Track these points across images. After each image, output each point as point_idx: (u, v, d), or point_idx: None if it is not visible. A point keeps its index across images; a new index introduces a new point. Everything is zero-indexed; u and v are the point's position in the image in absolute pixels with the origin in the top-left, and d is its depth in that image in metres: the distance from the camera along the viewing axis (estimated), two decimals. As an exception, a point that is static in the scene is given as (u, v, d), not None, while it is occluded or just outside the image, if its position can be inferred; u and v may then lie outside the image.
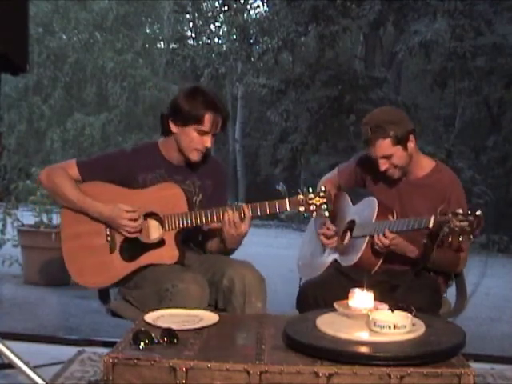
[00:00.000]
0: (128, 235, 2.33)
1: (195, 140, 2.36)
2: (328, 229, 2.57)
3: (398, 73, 15.58)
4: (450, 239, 2.07)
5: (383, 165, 2.38)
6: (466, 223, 2.02)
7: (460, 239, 2.06)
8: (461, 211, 2.05)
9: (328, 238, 2.57)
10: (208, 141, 2.36)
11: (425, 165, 2.47)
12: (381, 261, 2.40)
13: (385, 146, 2.34)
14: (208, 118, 2.33)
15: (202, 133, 2.34)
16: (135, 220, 2.31)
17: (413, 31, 12.15)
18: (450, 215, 2.05)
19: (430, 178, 2.44)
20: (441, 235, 2.08)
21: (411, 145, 2.37)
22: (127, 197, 2.37)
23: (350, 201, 2.64)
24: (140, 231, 2.34)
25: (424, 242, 2.27)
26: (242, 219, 2.27)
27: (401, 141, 2.34)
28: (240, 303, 2.27)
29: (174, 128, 2.38)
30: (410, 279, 2.34)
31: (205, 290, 2.24)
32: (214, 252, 2.51)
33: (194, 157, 2.40)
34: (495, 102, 12.94)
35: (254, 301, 2.27)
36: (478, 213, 2.02)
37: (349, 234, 2.57)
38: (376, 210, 2.43)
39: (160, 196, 2.35)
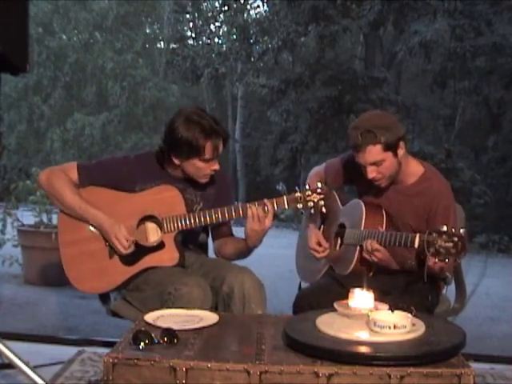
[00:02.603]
0: (118, 252, 2.31)
1: (202, 168, 2.35)
2: (319, 245, 2.54)
3: (398, 73, 15.57)
4: (436, 260, 2.05)
5: (371, 172, 2.32)
6: (450, 244, 1.98)
7: (446, 261, 2.03)
8: (445, 229, 2.00)
9: (319, 252, 2.55)
10: (215, 165, 2.36)
11: (413, 171, 2.41)
12: (374, 268, 2.39)
13: (375, 152, 2.27)
14: (209, 146, 2.30)
15: (207, 161, 2.33)
16: (125, 248, 2.28)
17: (413, 31, 12.15)
18: (435, 235, 2.01)
19: (418, 187, 2.39)
20: (427, 256, 2.06)
21: (401, 152, 2.32)
22: (125, 201, 2.36)
23: (339, 201, 2.61)
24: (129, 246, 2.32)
25: (410, 263, 2.26)
26: (265, 214, 2.27)
27: (391, 147, 2.28)
28: (239, 310, 2.27)
29: (176, 161, 2.36)
30: (402, 285, 2.32)
31: (207, 293, 2.24)
32: (229, 254, 2.49)
33: (204, 180, 2.41)
34: (495, 102, 12.93)
35: (254, 307, 2.27)
36: (462, 231, 1.99)
37: (339, 240, 2.55)
38: (364, 214, 2.40)
39: (157, 198, 2.35)
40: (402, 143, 2.32)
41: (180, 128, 2.31)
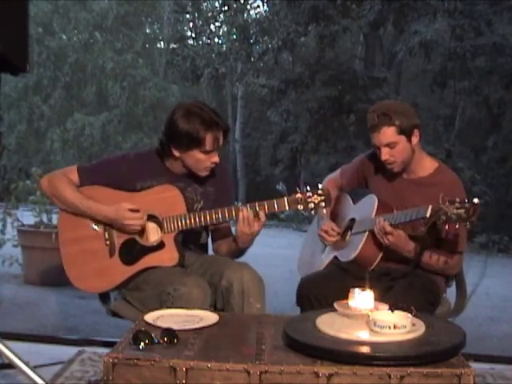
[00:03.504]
0: (133, 232, 2.32)
1: (202, 160, 2.36)
2: (332, 229, 2.57)
3: (398, 73, 15.57)
4: (447, 227, 2.08)
5: (385, 154, 2.39)
6: (462, 210, 2.05)
7: (457, 226, 2.08)
8: (458, 199, 2.06)
9: (329, 235, 2.58)
10: (215, 157, 2.36)
11: (428, 165, 2.48)
12: (380, 256, 2.40)
13: (389, 133, 2.36)
14: (209, 138, 2.31)
15: (207, 152, 2.34)
16: (140, 219, 2.30)
17: (413, 31, 12.14)
18: (447, 203, 2.07)
19: (432, 179, 2.44)
20: (438, 223, 2.11)
21: (415, 139, 2.40)
22: (126, 200, 2.36)
23: (351, 201, 2.66)
24: (142, 231, 2.34)
25: (421, 230, 2.28)
26: (255, 218, 2.28)
27: (405, 131, 2.36)
28: (238, 304, 2.27)
29: (176, 153, 2.36)
30: (407, 279, 2.34)
31: (207, 293, 2.24)
32: (223, 254, 2.50)
33: (204, 173, 2.41)
34: (495, 102, 12.92)
35: (253, 302, 2.27)
36: (475, 200, 2.05)
37: (349, 232, 2.58)
38: (376, 205, 2.45)
39: (158, 198, 2.35)
40: (416, 131, 2.40)
41: (180, 120, 2.32)
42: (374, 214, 2.44)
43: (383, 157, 2.40)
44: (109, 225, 2.36)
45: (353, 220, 2.58)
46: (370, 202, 2.50)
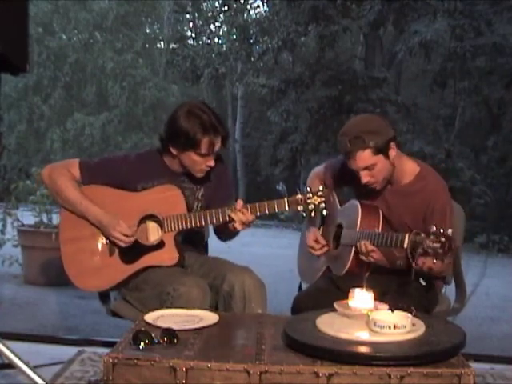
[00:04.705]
0: (121, 244, 2.32)
1: (197, 162, 2.36)
2: (317, 241, 2.55)
3: (398, 73, 15.57)
4: (424, 261, 2.06)
5: (365, 177, 2.31)
6: (438, 245, 1.98)
7: (434, 261, 2.03)
8: (434, 229, 2.01)
9: (316, 249, 2.56)
10: (210, 161, 2.37)
11: (409, 171, 2.39)
12: (370, 269, 2.38)
13: (365, 157, 2.26)
14: (205, 142, 2.31)
15: (202, 156, 2.34)
16: (127, 236, 2.29)
17: (413, 31, 12.14)
18: (423, 235, 2.02)
19: (413, 186, 2.38)
20: (415, 256, 2.06)
21: (393, 153, 2.30)
22: (127, 199, 2.37)
23: (337, 202, 2.61)
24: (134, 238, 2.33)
25: (399, 263, 2.26)
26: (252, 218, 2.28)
27: (382, 149, 2.27)
28: (240, 309, 2.28)
29: (173, 151, 2.37)
30: (398, 285, 2.32)
31: (206, 293, 2.24)
32: (224, 234, 2.49)
33: (199, 174, 2.41)
34: (495, 102, 12.91)
35: (254, 306, 2.28)
36: (449, 231, 1.99)
37: (338, 240, 2.55)
38: (360, 215, 2.40)
39: (159, 198, 2.35)
40: (392, 144, 2.31)
41: (181, 119, 2.33)
42: (358, 224, 2.39)
43: (363, 180, 2.32)
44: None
45: (340, 226, 2.54)
46: (355, 210, 2.44)
